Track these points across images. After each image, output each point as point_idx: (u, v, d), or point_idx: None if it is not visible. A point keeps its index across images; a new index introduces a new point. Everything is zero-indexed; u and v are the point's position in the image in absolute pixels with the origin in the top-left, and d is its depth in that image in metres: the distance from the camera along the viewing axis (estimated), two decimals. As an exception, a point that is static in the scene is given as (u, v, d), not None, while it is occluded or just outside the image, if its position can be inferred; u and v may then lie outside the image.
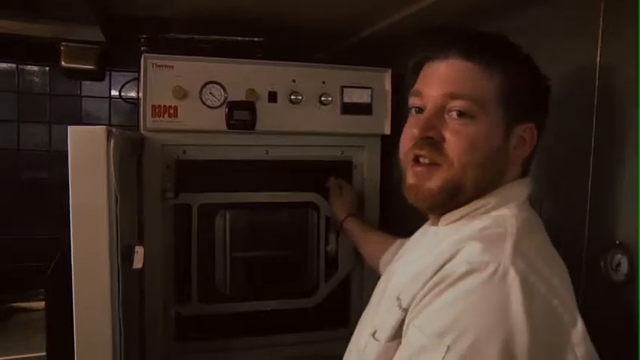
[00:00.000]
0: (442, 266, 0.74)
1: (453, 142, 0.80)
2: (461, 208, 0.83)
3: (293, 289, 1.53)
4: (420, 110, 0.85)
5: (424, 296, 0.73)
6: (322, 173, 1.51)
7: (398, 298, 0.79)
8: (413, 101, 0.87)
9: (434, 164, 0.81)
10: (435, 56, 0.84)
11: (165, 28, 1.45)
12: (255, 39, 1.39)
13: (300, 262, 1.53)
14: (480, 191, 0.82)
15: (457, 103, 0.80)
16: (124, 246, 0.97)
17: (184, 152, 1.38)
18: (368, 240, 1.39)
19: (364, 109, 1.47)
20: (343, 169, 1.54)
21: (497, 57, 0.81)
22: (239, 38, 1.39)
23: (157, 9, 1.33)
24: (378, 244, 1.32)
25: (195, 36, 1.37)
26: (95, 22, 1.51)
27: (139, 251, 1.00)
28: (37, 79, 1.78)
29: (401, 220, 1.55)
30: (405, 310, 0.76)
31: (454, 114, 0.80)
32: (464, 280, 0.70)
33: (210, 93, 1.35)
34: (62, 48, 1.61)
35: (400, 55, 1.53)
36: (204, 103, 1.35)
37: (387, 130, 1.50)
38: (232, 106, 1.36)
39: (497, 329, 0.66)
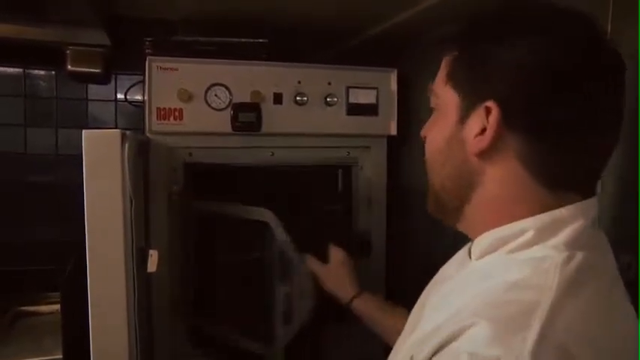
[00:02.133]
0: (445, 343, 0.56)
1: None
2: (492, 231, 0.64)
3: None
4: None
5: None
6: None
7: (412, 358, 0.62)
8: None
9: None
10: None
11: (170, 31, 1.43)
12: (260, 40, 1.37)
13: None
14: (454, 201, 0.68)
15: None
16: (138, 249, 0.95)
17: (190, 155, 1.36)
18: (390, 317, 1.13)
19: (370, 109, 1.44)
20: (348, 170, 1.51)
21: (464, 34, 0.68)
22: (243, 40, 1.37)
23: (162, 12, 1.31)
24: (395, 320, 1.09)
25: (200, 38, 1.35)
26: (100, 26, 1.50)
27: (153, 255, 0.98)
28: (43, 83, 1.76)
29: (407, 222, 1.56)
30: None
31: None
32: None
33: (215, 95, 1.33)
34: (68, 52, 1.60)
35: (406, 55, 1.53)
36: (209, 105, 1.32)
37: (393, 131, 1.47)
38: (237, 108, 1.33)
39: None
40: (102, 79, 1.67)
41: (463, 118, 0.64)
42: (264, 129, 1.36)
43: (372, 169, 1.50)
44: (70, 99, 1.77)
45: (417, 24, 1.26)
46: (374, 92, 1.44)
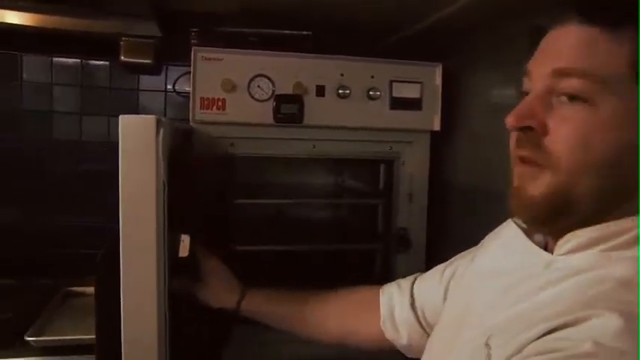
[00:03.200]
0: (560, 327, 0.53)
1: (559, 134, 0.58)
2: (588, 229, 0.59)
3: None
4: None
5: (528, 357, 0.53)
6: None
7: (487, 345, 0.59)
8: (524, 85, 0.65)
9: (538, 165, 0.60)
10: (554, 25, 0.62)
11: (218, 23, 1.44)
12: (304, 32, 1.36)
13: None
14: (605, 208, 0.59)
15: (567, 83, 0.58)
16: (171, 234, 0.96)
17: (232, 145, 1.35)
18: (284, 304, 1.07)
19: (413, 104, 1.40)
20: (390, 164, 1.48)
21: (632, 13, 0.55)
22: (287, 32, 1.36)
23: (210, 5, 1.32)
24: (360, 305, 1.03)
25: (245, 29, 1.35)
26: (152, 18, 1.52)
27: (185, 240, 0.99)
28: (98, 74, 1.80)
29: (447, 220, 1.52)
30: None
31: (564, 97, 0.58)
32: None
33: (259, 86, 1.32)
34: (122, 43, 1.63)
35: (451, 50, 1.49)
36: (252, 97, 1.32)
37: (437, 126, 1.43)
38: (280, 100, 1.32)
39: None
40: (152, 70, 1.69)
41: None
42: (306, 121, 1.34)
43: (414, 164, 1.46)
44: (123, 89, 1.81)
45: (461, 19, 1.22)
46: (418, 86, 1.40)
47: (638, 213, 0.57)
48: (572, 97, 0.58)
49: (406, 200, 1.47)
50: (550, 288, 0.59)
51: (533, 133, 0.60)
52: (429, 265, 1.45)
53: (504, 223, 0.81)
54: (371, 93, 1.38)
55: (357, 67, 1.37)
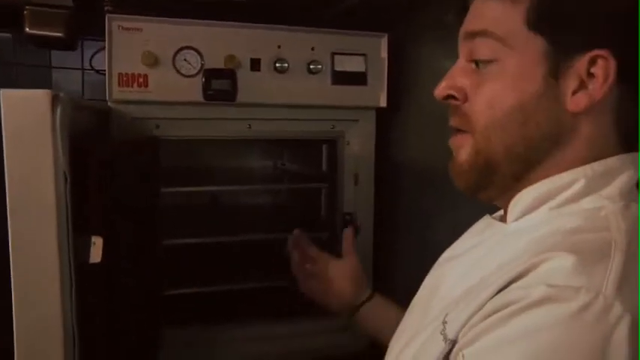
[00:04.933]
0: (512, 281, 0.51)
1: (474, 98, 0.60)
2: (532, 188, 0.59)
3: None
4: None
5: (481, 320, 0.51)
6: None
7: (444, 322, 0.57)
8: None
9: (464, 132, 0.62)
10: None
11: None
12: (236, -1, 1.20)
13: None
14: (518, 167, 0.59)
15: (475, 45, 0.60)
16: (77, 237, 0.79)
17: (157, 127, 1.20)
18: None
19: (358, 78, 1.29)
20: (334, 144, 1.37)
21: None
22: (218, -3, 1.20)
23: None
24: None
25: (167, -6, 1.17)
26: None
27: (97, 242, 0.82)
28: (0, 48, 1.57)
29: (396, 203, 1.42)
30: (452, 342, 0.54)
31: (481, 65, 0.60)
32: (538, 310, 0.46)
33: (185, 59, 1.18)
34: (26, 13, 1.42)
35: (398, 19, 1.37)
36: (177, 71, 1.17)
37: (383, 103, 1.32)
38: (210, 75, 1.19)
39: None
40: (65, 45, 1.48)
41: (555, 70, 0.56)
42: (240, 98, 1.22)
43: (359, 143, 1.36)
44: (32, 66, 1.58)
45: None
46: (362, 59, 1.29)
47: (578, 160, 0.57)
48: (486, 62, 0.60)
49: (351, 183, 1.37)
50: (502, 252, 0.58)
51: (456, 102, 0.62)
52: (376, 254, 1.35)
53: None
54: (311, 67, 1.26)
55: (295, 37, 1.25)
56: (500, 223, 0.64)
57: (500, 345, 0.47)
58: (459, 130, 0.63)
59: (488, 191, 0.63)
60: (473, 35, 0.60)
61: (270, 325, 1.34)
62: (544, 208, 0.58)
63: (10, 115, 0.68)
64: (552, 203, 0.58)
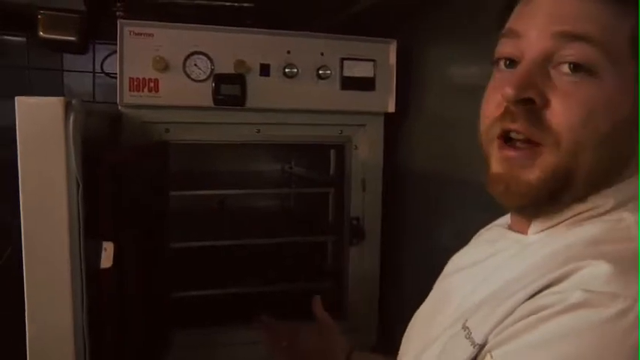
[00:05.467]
0: (544, 288, 0.49)
1: (562, 108, 0.52)
2: (565, 211, 0.56)
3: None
4: (512, 64, 0.56)
5: (512, 324, 0.49)
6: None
7: (465, 327, 0.55)
8: (503, 48, 0.57)
9: (532, 144, 0.53)
10: None
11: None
12: (245, 4, 1.20)
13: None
14: (595, 186, 0.55)
15: (574, 50, 0.51)
16: (88, 242, 0.79)
17: (167, 131, 1.20)
18: None
19: (366, 84, 1.29)
20: (342, 149, 1.37)
21: None
22: (227, 3, 1.20)
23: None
24: None
25: (179, 0, 1.17)
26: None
27: (108, 248, 0.82)
28: (14, 51, 1.58)
29: (403, 208, 1.41)
30: (481, 347, 0.52)
31: (566, 67, 0.52)
32: (575, 313, 0.45)
33: (195, 64, 1.18)
34: (40, 17, 1.43)
35: (407, 26, 1.37)
36: (188, 76, 1.18)
37: (391, 108, 1.32)
38: (219, 80, 1.19)
39: None
40: (78, 48, 1.49)
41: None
42: (249, 103, 1.22)
43: (367, 149, 1.35)
44: (44, 70, 1.59)
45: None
46: (371, 65, 1.29)
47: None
48: (576, 67, 0.51)
49: (359, 188, 1.37)
50: (524, 263, 0.56)
51: (533, 106, 0.53)
52: (384, 258, 1.35)
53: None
54: (320, 72, 1.26)
55: (305, 43, 1.25)
56: (517, 234, 0.61)
57: (539, 345, 0.46)
58: (511, 141, 0.55)
59: (541, 209, 0.58)
60: (571, 36, 0.52)
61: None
62: (564, 224, 0.56)
63: (24, 121, 0.69)
64: (574, 220, 0.55)
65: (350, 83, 1.28)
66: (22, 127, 0.69)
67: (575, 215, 0.55)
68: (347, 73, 1.27)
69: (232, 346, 1.30)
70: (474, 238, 0.75)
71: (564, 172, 0.53)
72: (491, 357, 0.49)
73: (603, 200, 0.54)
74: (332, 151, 1.45)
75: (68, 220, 0.71)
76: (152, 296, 1.15)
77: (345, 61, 1.27)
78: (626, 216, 0.52)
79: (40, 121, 0.69)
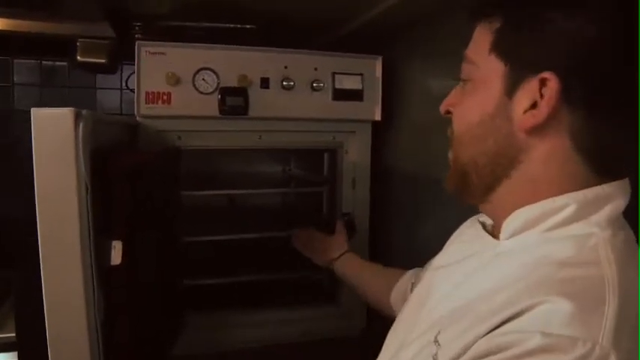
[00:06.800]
0: (507, 320, 0.48)
1: (454, 114, 0.63)
2: (523, 210, 0.56)
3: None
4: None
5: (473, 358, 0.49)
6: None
7: (436, 341, 0.55)
8: None
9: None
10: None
11: (165, 19, 1.33)
12: (247, 26, 1.27)
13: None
14: (486, 179, 0.58)
15: (462, 67, 0.62)
16: (98, 241, 0.83)
17: (179, 138, 1.28)
18: (373, 276, 1.08)
19: (355, 95, 1.34)
20: (334, 153, 1.43)
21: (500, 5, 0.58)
22: (231, 25, 1.27)
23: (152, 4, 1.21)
24: (386, 279, 1.01)
25: (189, 23, 1.26)
26: (104, 19, 1.42)
27: (117, 246, 0.86)
28: (56, 73, 1.70)
29: (389, 203, 1.47)
30: None
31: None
32: (533, 359, 0.43)
33: (203, 79, 1.25)
34: (79, 44, 1.53)
35: (392, 43, 1.42)
36: (197, 89, 1.24)
37: (378, 116, 1.37)
38: (225, 92, 1.25)
39: None
40: (108, 69, 1.59)
41: (510, 90, 0.55)
42: (251, 113, 1.28)
43: (356, 152, 1.41)
44: (80, 87, 1.71)
45: (401, 13, 1.14)
46: (359, 78, 1.35)
47: (537, 181, 0.56)
48: (464, 81, 0.62)
49: (350, 187, 1.42)
50: (495, 274, 0.55)
51: (450, 116, 0.64)
52: (372, 249, 1.39)
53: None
54: (314, 85, 1.32)
55: (300, 59, 1.31)
56: (491, 239, 0.62)
57: None
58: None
59: (468, 196, 0.62)
60: (464, 58, 0.61)
61: (279, 312, 1.39)
62: (535, 231, 0.55)
63: (39, 131, 0.73)
64: (543, 226, 0.55)
65: (341, 95, 1.33)
66: (37, 135, 0.73)
67: (540, 218, 0.55)
68: (338, 85, 1.32)
69: (242, 327, 1.35)
70: (454, 234, 0.77)
71: (458, 161, 0.61)
72: None
73: (564, 202, 0.54)
74: (326, 155, 1.50)
75: (79, 220, 0.75)
76: (166, 285, 1.21)
77: (336, 75, 1.32)
78: (596, 232, 0.52)
79: (54, 130, 0.74)
